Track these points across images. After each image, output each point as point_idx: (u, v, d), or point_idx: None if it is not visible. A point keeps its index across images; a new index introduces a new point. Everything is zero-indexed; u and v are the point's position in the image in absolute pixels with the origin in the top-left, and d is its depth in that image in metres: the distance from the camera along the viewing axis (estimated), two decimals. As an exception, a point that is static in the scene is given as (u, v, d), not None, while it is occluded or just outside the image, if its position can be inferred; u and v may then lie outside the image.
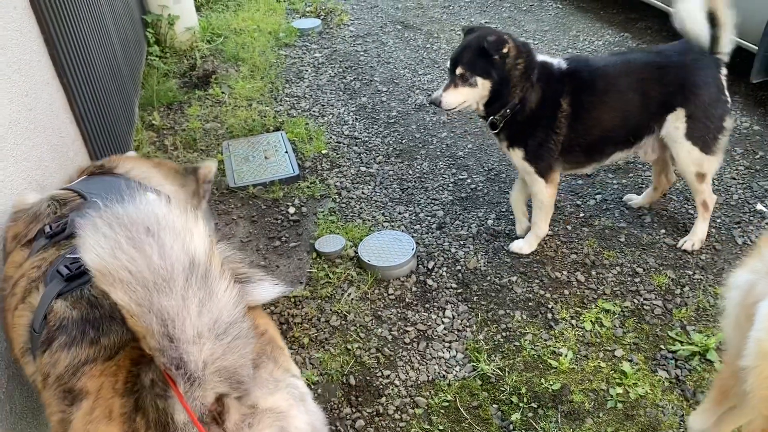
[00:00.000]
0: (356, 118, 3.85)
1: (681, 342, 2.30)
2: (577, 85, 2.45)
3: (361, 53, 4.67)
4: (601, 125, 2.50)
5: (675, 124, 2.47)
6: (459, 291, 2.62)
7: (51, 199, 1.50)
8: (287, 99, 4.09)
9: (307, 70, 4.46)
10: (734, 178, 3.09)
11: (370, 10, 5.44)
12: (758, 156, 3.22)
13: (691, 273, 2.60)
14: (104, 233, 0.98)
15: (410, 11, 5.34)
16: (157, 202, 1.04)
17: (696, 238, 2.68)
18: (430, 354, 2.34)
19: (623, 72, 2.49)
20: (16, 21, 2.05)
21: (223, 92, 4.15)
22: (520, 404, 2.12)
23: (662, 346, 2.29)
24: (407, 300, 2.60)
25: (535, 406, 2.12)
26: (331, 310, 2.55)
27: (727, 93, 2.47)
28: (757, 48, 3.37)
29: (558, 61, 2.50)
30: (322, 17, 5.32)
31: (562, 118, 2.45)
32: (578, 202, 3.03)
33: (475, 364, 2.28)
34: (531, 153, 2.51)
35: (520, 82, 2.42)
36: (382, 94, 4.10)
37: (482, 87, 2.42)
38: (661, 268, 2.64)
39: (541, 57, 2.49)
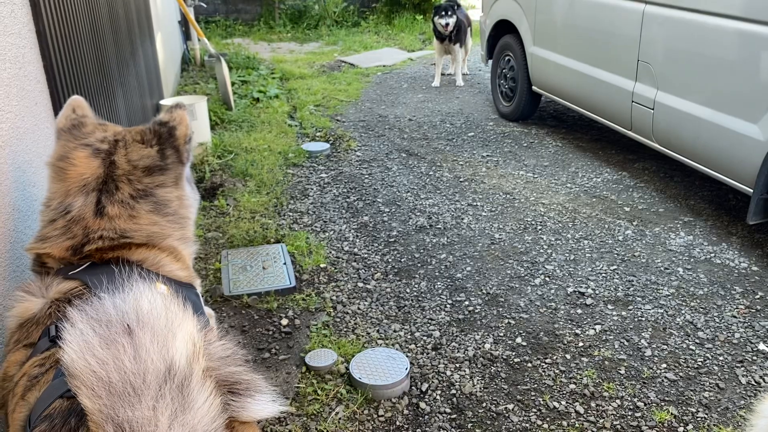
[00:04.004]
0: (357, 236, 3.88)
1: (687, 484, 2.15)
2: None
3: (366, 176, 4.80)
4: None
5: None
6: (453, 417, 2.50)
7: (53, 302, 1.40)
8: (290, 214, 4.16)
9: (312, 189, 4.57)
10: (735, 317, 3.05)
11: (377, 138, 5.67)
12: (758, 296, 3.20)
13: (694, 410, 2.49)
14: (81, 330, 0.94)
15: (415, 141, 5.55)
16: (145, 293, 1.00)
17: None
18: (419, 482, 2.19)
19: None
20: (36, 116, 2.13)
21: (228, 204, 4.22)
22: None
23: (667, 488, 2.15)
24: (398, 423, 2.47)
25: None
26: (316, 429, 2.43)
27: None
28: (752, 190, 3.46)
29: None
30: (331, 142, 5.54)
31: None
32: (577, 331, 2.97)
33: (466, 495, 2.12)
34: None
35: None
36: (384, 215, 4.16)
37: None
38: (662, 403, 2.53)
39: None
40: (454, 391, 2.63)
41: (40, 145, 2.14)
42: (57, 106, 2.33)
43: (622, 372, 2.71)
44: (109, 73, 3.30)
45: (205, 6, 10.08)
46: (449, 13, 7.12)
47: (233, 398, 1.06)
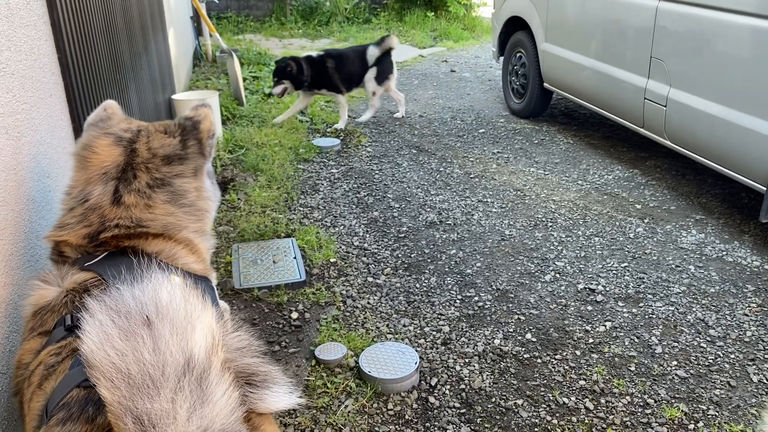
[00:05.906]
0: (367, 231, 3.89)
1: (697, 481, 2.15)
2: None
3: (377, 172, 4.81)
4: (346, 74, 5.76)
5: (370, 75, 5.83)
6: (462, 411, 2.50)
7: (68, 291, 1.41)
8: (301, 209, 4.17)
9: (323, 184, 4.58)
10: (746, 315, 3.03)
11: (387, 134, 5.67)
12: (770, 294, 3.19)
13: (705, 408, 2.48)
14: (100, 321, 0.93)
15: (426, 138, 5.55)
16: (164, 284, 1.00)
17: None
18: (428, 475, 2.19)
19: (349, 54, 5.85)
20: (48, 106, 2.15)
21: (239, 199, 4.23)
22: None
23: (677, 485, 2.14)
24: (407, 417, 2.48)
25: None
26: (326, 421, 2.43)
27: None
28: (765, 189, 3.43)
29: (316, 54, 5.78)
30: (341, 138, 5.54)
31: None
32: (587, 328, 2.96)
33: (475, 489, 2.12)
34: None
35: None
36: (394, 210, 4.17)
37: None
38: (673, 400, 2.52)
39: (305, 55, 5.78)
40: (463, 386, 2.63)
41: (54, 136, 2.16)
42: (71, 98, 2.35)
43: (633, 369, 2.70)
44: (123, 66, 3.32)
45: (217, 2, 10.12)
46: (278, 79, 5.63)
47: (250, 390, 1.06)
